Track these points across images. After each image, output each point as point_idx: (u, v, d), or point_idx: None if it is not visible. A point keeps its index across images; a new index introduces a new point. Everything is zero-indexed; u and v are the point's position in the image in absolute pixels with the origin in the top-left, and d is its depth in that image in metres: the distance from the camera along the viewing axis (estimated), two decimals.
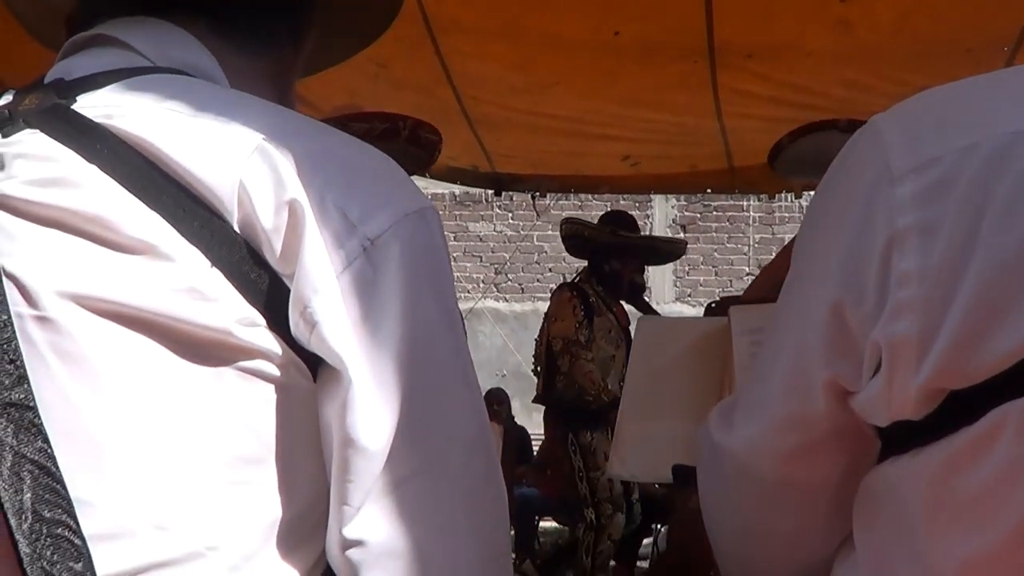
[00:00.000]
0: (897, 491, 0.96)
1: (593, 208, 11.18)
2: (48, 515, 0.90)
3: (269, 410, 0.96)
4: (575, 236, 6.02)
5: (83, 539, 0.91)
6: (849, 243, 0.96)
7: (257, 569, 0.97)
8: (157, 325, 0.93)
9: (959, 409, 0.90)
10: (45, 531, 0.90)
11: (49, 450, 0.91)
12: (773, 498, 1.09)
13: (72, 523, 0.91)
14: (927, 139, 0.94)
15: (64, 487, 0.91)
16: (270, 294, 0.95)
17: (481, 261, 13.24)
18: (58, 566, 0.89)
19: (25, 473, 0.90)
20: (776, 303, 1.08)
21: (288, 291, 0.95)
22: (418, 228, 0.99)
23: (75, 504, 0.91)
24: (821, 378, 0.97)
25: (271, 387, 0.96)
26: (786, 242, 3.79)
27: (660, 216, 13.15)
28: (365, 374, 0.95)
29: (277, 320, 0.95)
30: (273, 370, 0.96)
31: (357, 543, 0.97)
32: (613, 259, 5.90)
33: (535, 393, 6.20)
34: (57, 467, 0.91)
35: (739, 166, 5.80)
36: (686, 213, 13.12)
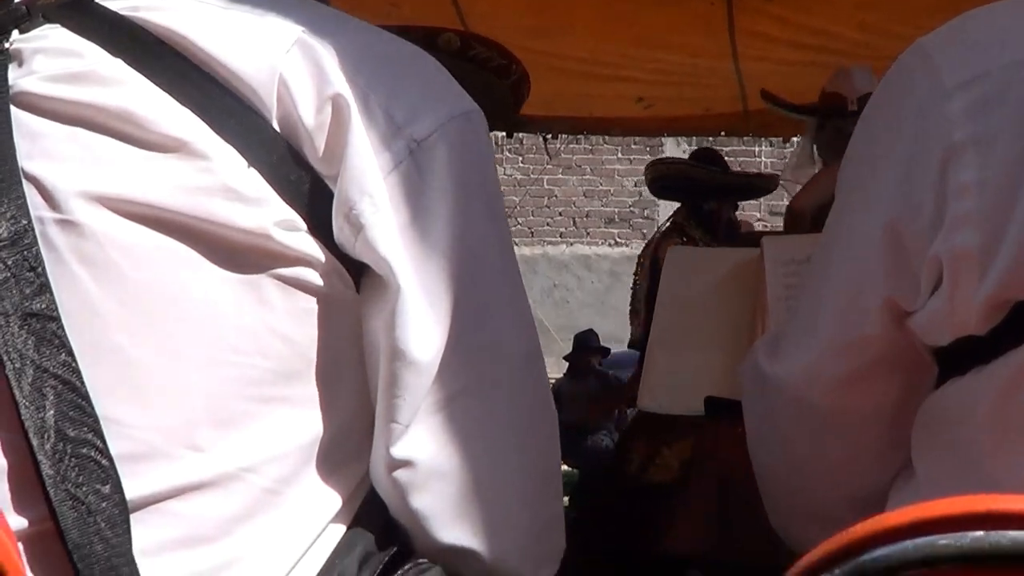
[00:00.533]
0: (958, 412, 0.95)
1: (604, 152, 11.12)
2: (72, 434, 0.85)
3: (310, 322, 0.91)
4: (671, 176, 5.80)
5: (111, 459, 0.86)
6: (903, 161, 0.95)
7: (296, 492, 0.92)
8: (190, 228, 0.88)
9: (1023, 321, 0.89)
10: (69, 451, 0.85)
11: (73, 364, 0.86)
12: (826, 427, 1.08)
13: (99, 442, 0.85)
14: (976, 55, 0.95)
15: (90, 404, 0.86)
16: (312, 196, 0.90)
17: None
18: (84, 488, 0.84)
19: (48, 389, 0.85)
20: (816, 234, 1.07)
21: (331, 193, 0.90)
22: (465, 131, 0.95)
23: (102, 422, 0.86)
24: (878, 300, 0.97)
25: (312, 298, 0.91)
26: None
27: None
28: (414, 282, 0.90)
29: (319, 224, 0.90)
30: (315, 278, 0.90)
31: (405, 463, 0.93)
32: (711, 198, 5.76)
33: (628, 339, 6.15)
34: (82, 382, 0.86)
35: (753, 109, 5.74)
36: None
